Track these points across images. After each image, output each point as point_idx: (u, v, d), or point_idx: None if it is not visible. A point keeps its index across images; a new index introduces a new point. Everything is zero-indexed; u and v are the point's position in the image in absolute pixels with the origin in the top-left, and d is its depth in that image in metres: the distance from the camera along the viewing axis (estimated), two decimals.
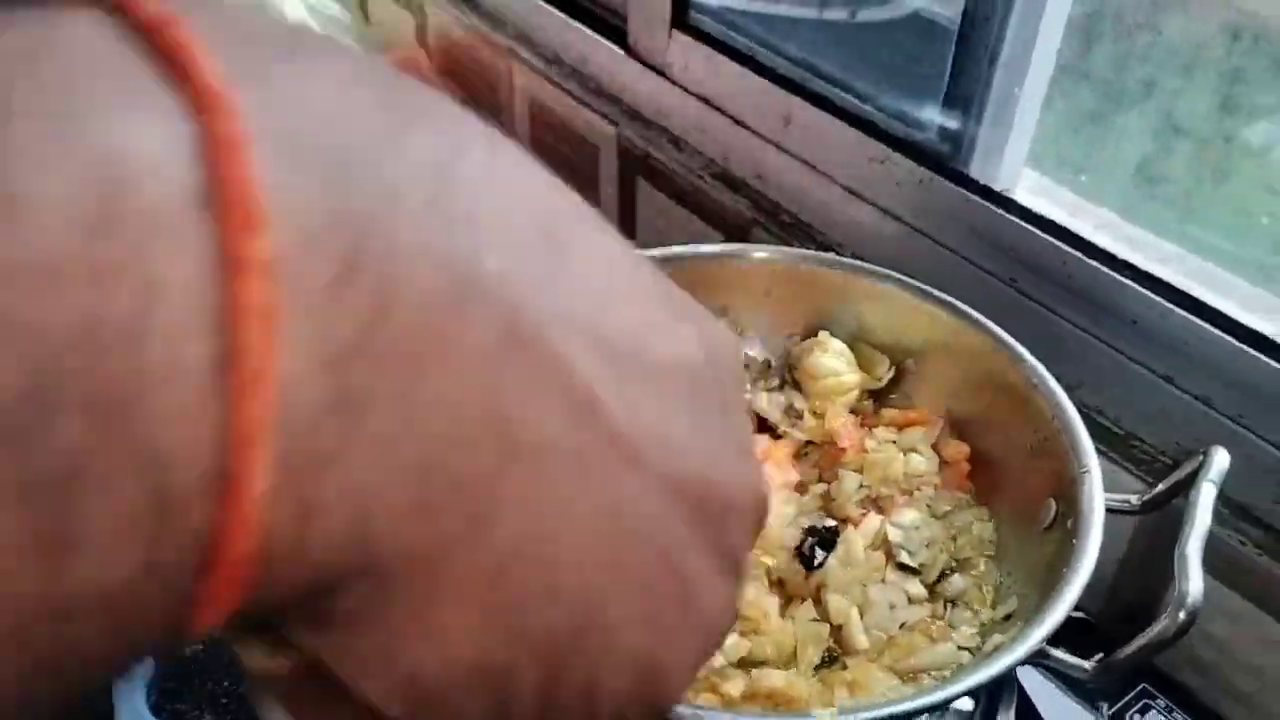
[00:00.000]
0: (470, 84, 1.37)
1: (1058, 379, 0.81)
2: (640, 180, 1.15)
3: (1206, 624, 0.78)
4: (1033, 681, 0.76)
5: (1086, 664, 0.57)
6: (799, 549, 0.70)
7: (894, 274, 0.80)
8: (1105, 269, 0.79)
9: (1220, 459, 0.61)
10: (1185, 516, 0.58)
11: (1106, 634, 0.81)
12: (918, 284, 0.79)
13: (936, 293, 0.78)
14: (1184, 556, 0.55)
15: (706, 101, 1.04)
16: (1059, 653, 0.58)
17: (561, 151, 1.25)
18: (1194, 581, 0.54)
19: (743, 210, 1.04)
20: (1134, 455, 0.80)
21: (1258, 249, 0.86)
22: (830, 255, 0.86)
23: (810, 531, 0.70)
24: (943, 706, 0.56)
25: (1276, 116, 0.83)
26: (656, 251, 0.82)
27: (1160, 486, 0.65)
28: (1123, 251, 0.80)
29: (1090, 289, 0.80)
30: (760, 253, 0.83)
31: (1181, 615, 0.53)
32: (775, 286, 0.83)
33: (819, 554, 0.69)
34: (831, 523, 0.71)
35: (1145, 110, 0.91)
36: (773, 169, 1.01)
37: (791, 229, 1.00)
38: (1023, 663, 0.57)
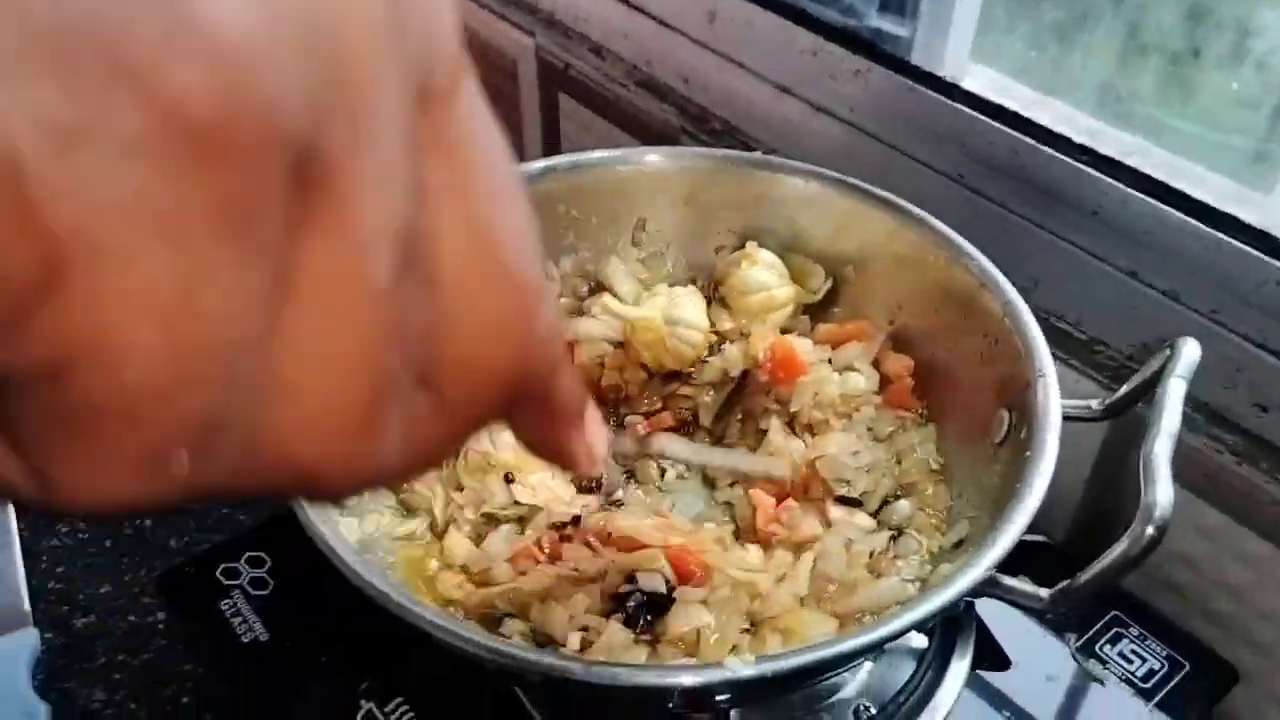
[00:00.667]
0: None
1: (1011, 283, 0.74)
2: (561, 95, 1.06)
3: (1178, 542, 0.71)
4: (994, 613, 0.69)
5: (1042, 592, 0.50)
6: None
7: (826, 171, 0.72)
8: (1061, 155, 0.71)
9: (1189, 351, 0.53)
10: (1151, 416, 0.50)
11: (1073, 561, 0.74)
12: (853, 181, 0.71)
13: (874, 190, 0.70)
14: (1150, 460, 0.48)
15: (627, 2, 0.95)
16: (1011, 581, 0.51)
17: (480, 70, 1.15)
18: (1162, 489, 0.46)
19: (670, 119, 0.95)
20: (1097, 361, 0.73)
21: (1231, 140, 0.78)
22: (756, 155, 0.77)
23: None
24: (877, 648, 0.48)
25: (1246, 26, 0.75)
26: (564, 158, 0.73)
27: (1124, 388, 0.57)
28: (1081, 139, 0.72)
29: (1045, 179, 0.72)
30: (678, 156, 0.74)
31: (1149, 530, 0.46)
32: (698, 193, 0.75)
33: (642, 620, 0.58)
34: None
35: (1112, 25, 0.82)
36: (699, 71, 0.92)
37: (721, 136, 0.92)
38: (970, 594, 0.50)
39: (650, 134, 0.97)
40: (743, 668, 0.46)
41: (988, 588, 0.51)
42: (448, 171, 0.22)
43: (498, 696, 0.63)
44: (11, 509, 0.86)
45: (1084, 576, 0.48)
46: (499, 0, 1.08)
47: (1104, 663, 0.67)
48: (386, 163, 0.19)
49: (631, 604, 0.57)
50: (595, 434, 0.31)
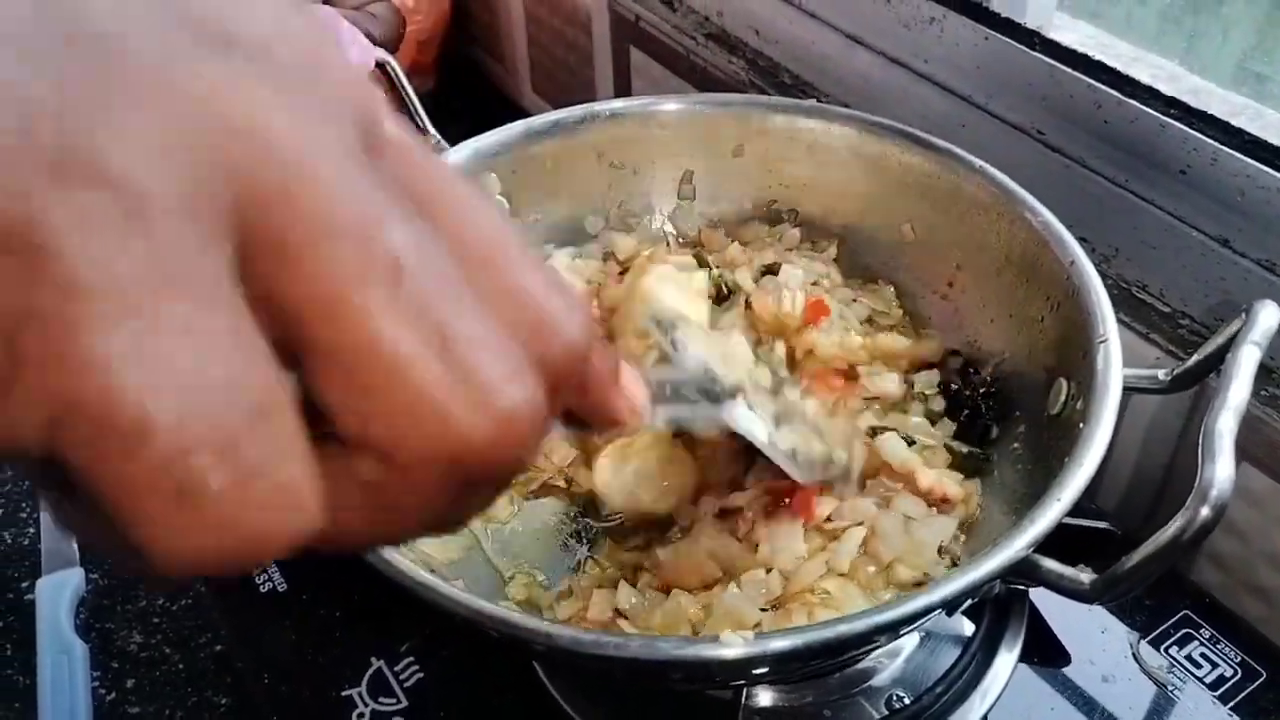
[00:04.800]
0: None
1: (1091, 250, 0.68)
2: (633, 49, 1.02)
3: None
4: (1053, 605, 0.64)
5: (1084, 576, 0.45)
6: None
7: (882, 120, 0.67)
8: (1146, 109, 0.64)
9: (1267, 316, 0.47)
10: (1218, 386, 0.45)
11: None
12: (910, 130, 0.66)
13: (934, 140, 0.65)
14: (1212, 433, 0.42)
15: None
16: (1051, 564, 0.46)
17: (555, 26, 1.13)
18: (1222, 466, 0.41)
19: (739, 73, 0.90)
20: (1181, 337, 0.66)
21: None
22: (809, 102, 0.73)
23: None
24: (892, 629, 0.44)
25: None
26: (602, 105, 0.70)
27: (1195, 356, 0.51)
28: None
29: (1129, 136, 0.66)
30: (726, 103, 0.70)
31: (1204, 510, 0.41)
32: (746, 143, 0.70)
33: None
34: None
35: None
36: (769, 21, 0.87)
37: (792, 90, 0.87)
38: (1004, 576, 0.45)
39: (720, 88, 0.93)
40: (739, 645, 0.42)
41: (1025, 570, 0.46)
42: (415, 189, 0.23)
43: (508, 660, 0.61)
44: None
45: (1131, 561, 0.43)
46: None
47: (1170, 665, 0.61)
48: (332, 190, 0.21)
49: None
50: (634, 389, 0.32)
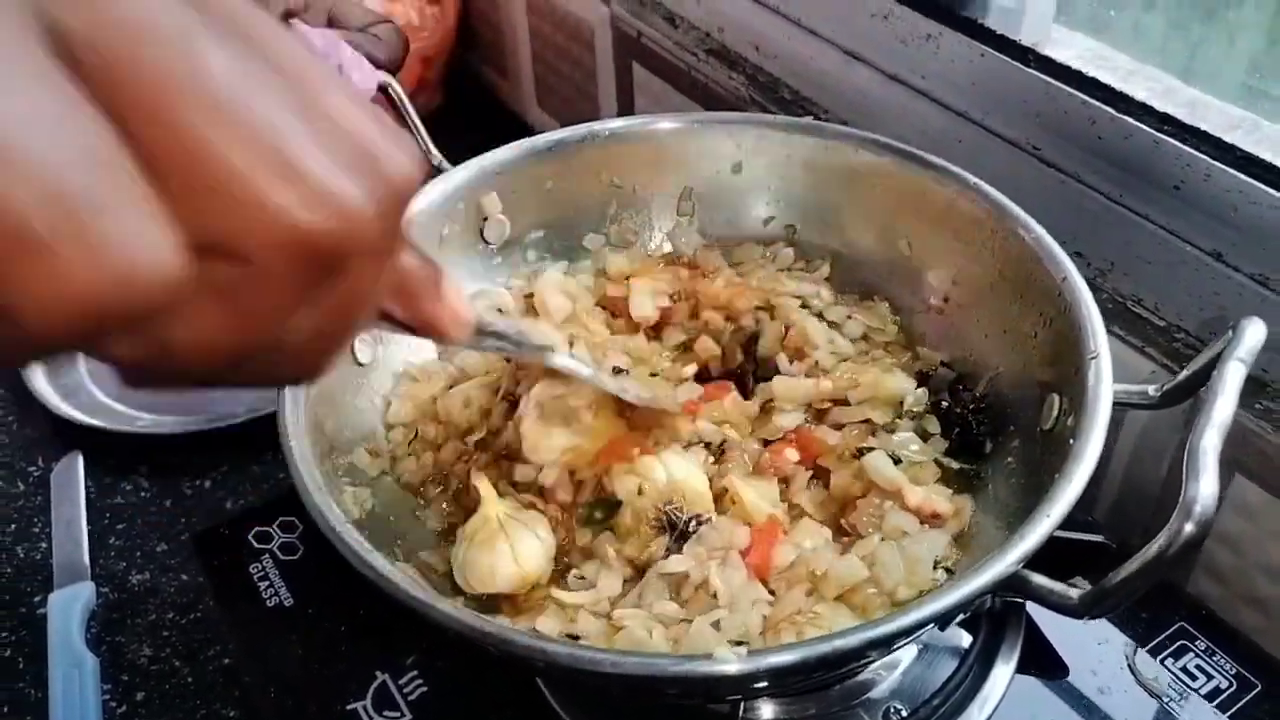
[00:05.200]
0: None
1: (1086, 264, 0.69)
2: (635, 65, 1.03)
3: (1219, 522, 0.65)
4: (1050, 616, 0.64)
5: (1073, 592, 0.45)
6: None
7: (878, 138, 0.68)
8: (1141, 125, 0.65)
9: (1253, 333, 0.48)
10: (1203, 403, 0.45)
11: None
12: (905, 147, 0.67)
13: (929, 157, 0.66)
14: (1196, 450, 0.43)
15: None
16: (1040, 579, 0.47)
17: (559, 42, 1.14)
18: (1206, 483, 0.42)
19: (739, 89, 0.91)
20: (1176, 350, 0.67)
21: None
22: (806, 120, 0.74)
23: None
24: (885, 644, 0.45)
25: None
26: (602, 125, 0.71)
27: (1184, 372, 0.52)
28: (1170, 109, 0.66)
29: (1124, 152, 0.66)
30: (725, 121, 0.71)
31: (1188, 526, 0.41)
32: (745, 160, 0.71)
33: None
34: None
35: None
36: (769, 37, 0.88)
37: (790, 106, 0.88)
38: (994, 591, 0.46)
39: (720, 105, 0.94)
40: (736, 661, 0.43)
41: (1015, 585, 0.47)
42: (237, 24, 0.24)
43: (511, 675, 0.61)
44: (80, 464, 0.88)
45: (1117, 577, 0.44)
46: None
47: (1166, 676, 0.62)
48: (150, 24, 0.22)
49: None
50: (458, 304, 0.35)
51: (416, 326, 0.34)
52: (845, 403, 0.63)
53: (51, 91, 0.20)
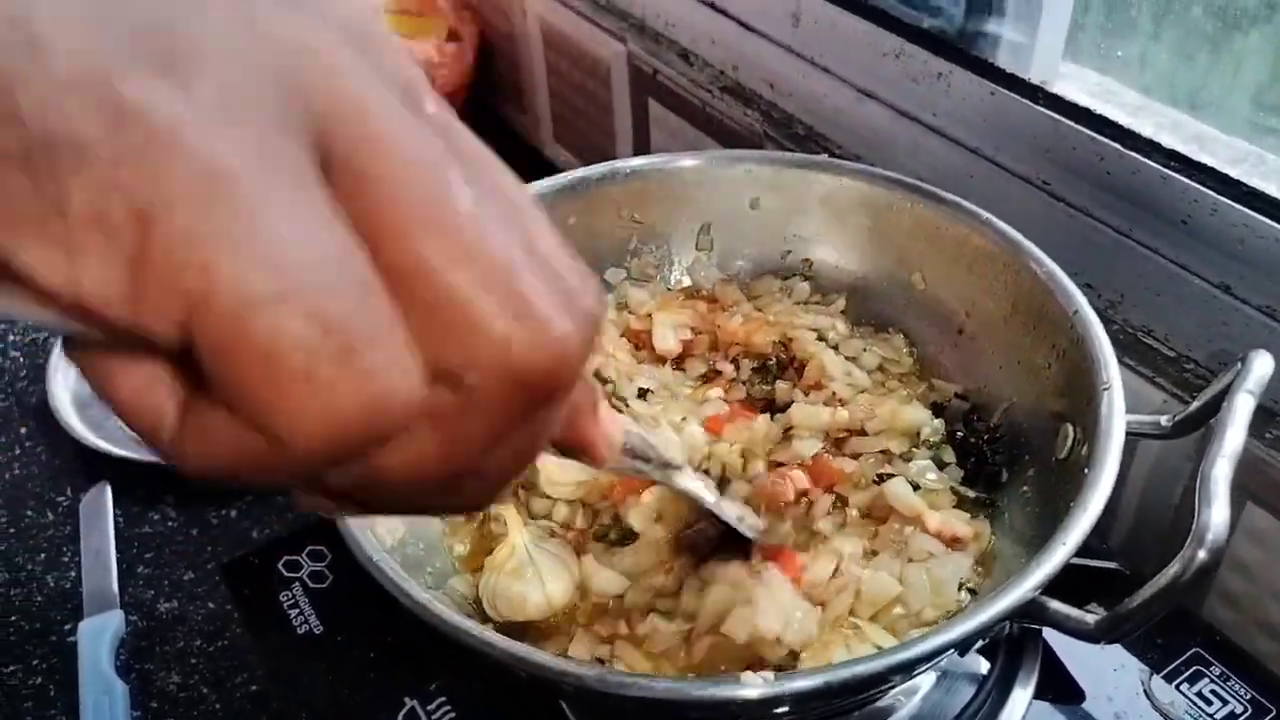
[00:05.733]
0: (485, 14, 1.30)
1: (1097, 296, 0.70)
2: (651, 101, 1.05)
3: (1232, 548, 0.66)
4: (1067, 642, 0.65)
5: (1089, 618, 0.47)
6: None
7: (892, 175, 0.69)
8: (1148, 161, 0.67)
9: (1260, 365, 0.49)
10: (1214, 434, 0.47)
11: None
12: (919, 184, 0.69)
13: (942, 193, 0.68)
14: (1208, 480, 0.44)
15: (712, 6, 0.94)
16: (1057, 605, 0.48)
17: (576, 79, 1.17)
18: (1218, 511, 0.43)
19: (754, 125, 0.93)
20: (1186, 380, 0.68)
21: None
22: (821, 158, 0.75)
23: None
24: (906, 669, 0.46)
25: None
26: (623, 164, 0.73)
27: (1195, 404, 0.53)
28: (1181, 147, 0.67)
29: (1132, 187, 0.68)
30: (740, 159, 0.73)
31: (1201, 554, 0.43)
32: (762, 196, 0.73)
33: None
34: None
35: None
36: (783, 75, 0.90)
37: (804, 142, 0.90)
38: (1012, 617, 0.47)
39: (735, 140, 0.96)
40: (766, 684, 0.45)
41: (1033, 612, 0.48)
42: (458, 146, 0.25)
43: (538, 700, 0.63)
44: (109, 494, 0.90)
45: (1133, 603, 0.45)
46: (592, 7, 1.08)
47: (1182, 702, 0.63)
48: (401, 138, 0.22)
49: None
50: (612, 427, 0.35)
51: (570, 447, 0.34)
52: (863, 433, 0.64)
53: (324, 218, 0.21)
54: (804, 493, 0.63)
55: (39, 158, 0.18)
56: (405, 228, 0.22)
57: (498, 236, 0.23)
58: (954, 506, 0.61)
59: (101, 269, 0.19)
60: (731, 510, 0.59)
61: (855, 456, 0.64)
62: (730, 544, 0.58)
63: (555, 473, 0.62)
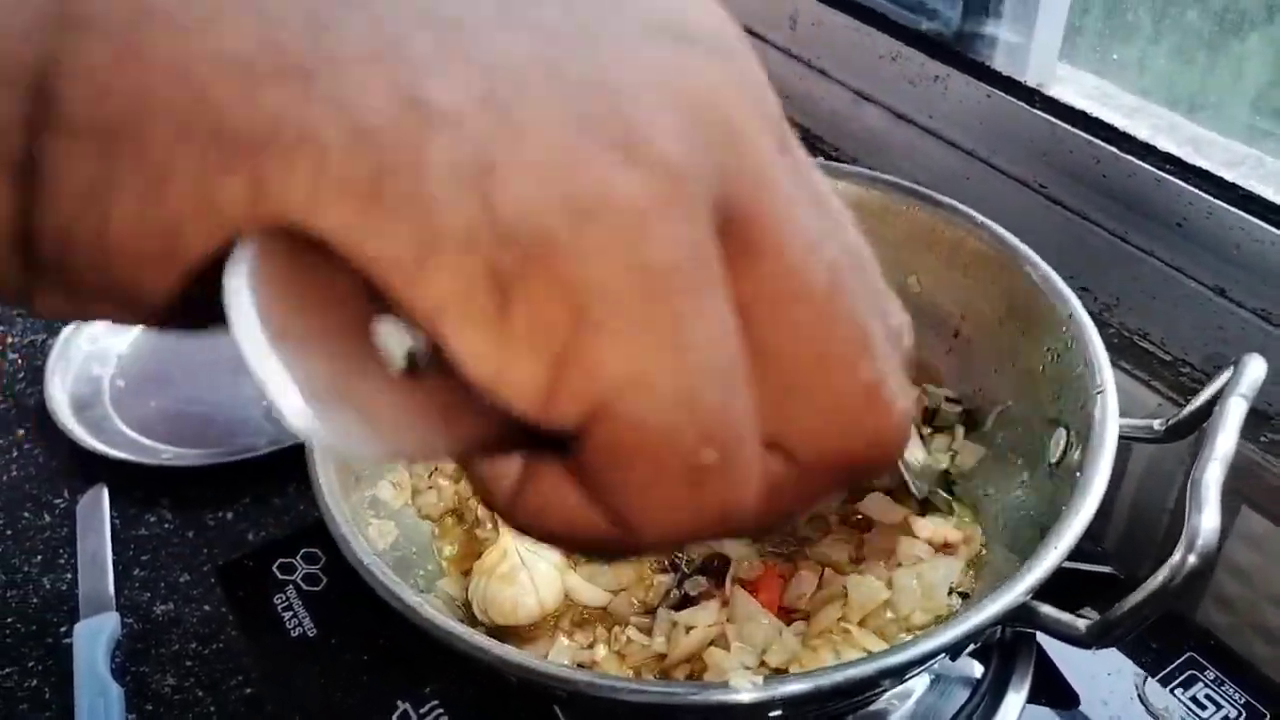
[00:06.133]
0: None
1: (1092, 299, 0.70)
2: None
3: (1228, 552, 0.66)
4: (1061, 646, 0.65)
5: (1080, 623, 0.47)
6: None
7: (886, 177, 0.69)
8: (1144, 164, 0.67)
9: (1253, 369, 0.49)
10: (1205, 438, 0.47)
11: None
12: (914, 187, 0.68)
13: (938, 196, 0.67)
14: (1199, 484, 0.44)
15: None
16: (1048, 610, 0.48)
17: None
18: (1208, 516, 0.43)
19: None
20: (1182, 384, 0.68)
21: None
22: (819, 160, 0.75)
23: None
24: (897, 673, 0.46)
25: None
26: None
27: (1187, 408, 0.53)
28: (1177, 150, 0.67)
29: (1128, 189, 0.68)
30: None
31: (1191, 559, 0.43)
32: None
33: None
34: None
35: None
36: (779, 77, 0.90)
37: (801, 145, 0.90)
38: (1003, 621, 0.47)
39: None
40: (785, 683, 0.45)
41: (1024, 616, 0.48)
42: (813, 194, 0.23)
43: (530, 704, 0.63)
44: (105, 496, 0.90)
45: (1123, 608, 0.45)
46: None
47: (1176, 706, 0.62)
48: (788, 196, 0.21)
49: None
50: None
51: None
52: None
53: (728, 320, 0.20)
54: None
55: (504, 251, 0.18)
56: (782, 311, 0.21)
57: (860, 311, 0.22)
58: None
59: (527, 364, 0.18)
60: None
61: None
62: (706, 571, 0.58)
63: None
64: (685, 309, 0.19)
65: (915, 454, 0.57)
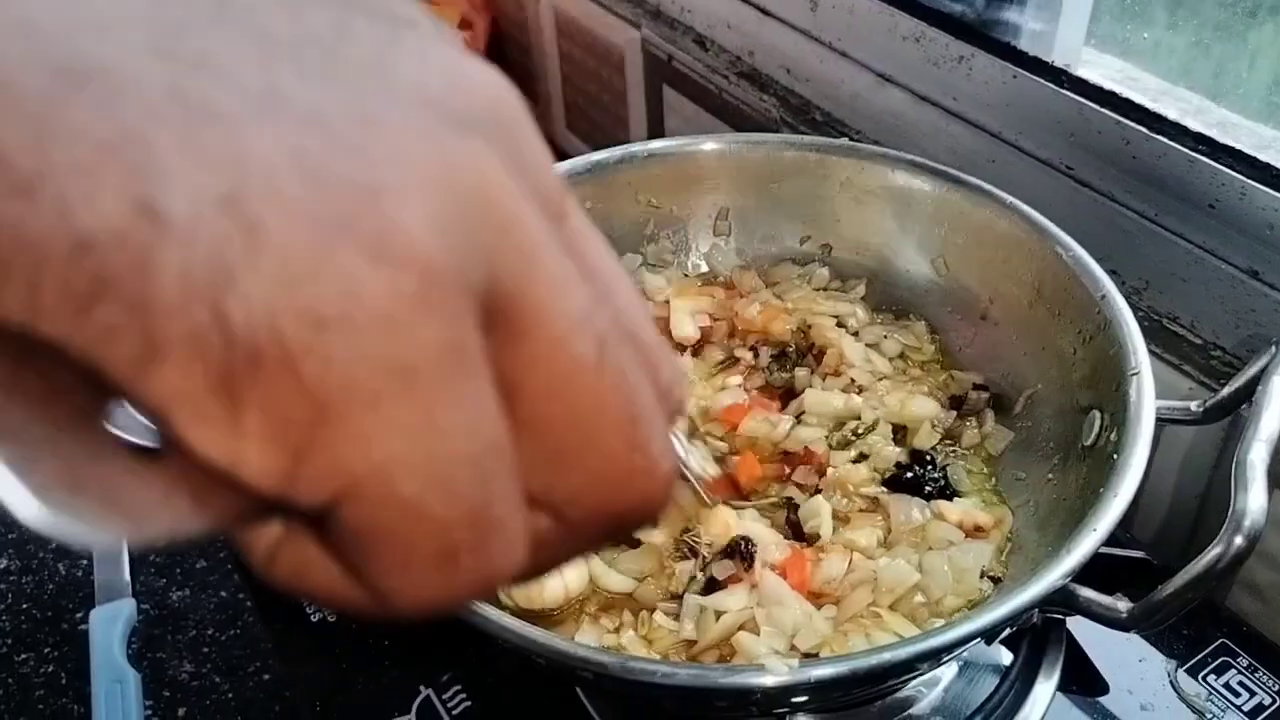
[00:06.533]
0: (497, 1, 1.29)
1: (1121, 282, 0.69)
2: (666, 88, 1.04)
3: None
4: (1090, 634, 0.64)
5: (1121, 605, 0.46)
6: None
7: (914, 158, 0.68)
8: (1175, 145, 0.66)
9: None
10: (1250, 418, 0.46)
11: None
12: (942, 168, 0.68)
13: (965, 177, 0.67)
14: (1244, 465, 0.43)
15: None
16: (1088, 593, 0.47)
17: (589, 66, 1.16)
18: (1255, 496, 0.42)
19: (770, 111, 0.92)
20: (1212, 367, 0.67)
21: None
22: (841, 141, 0.74)
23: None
24: (933, 657, 0.45)
25: None
26: (639, 146, 0.72)
27: (1226, 389, 0.52)
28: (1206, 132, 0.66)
29: (1158, 171, 0.67)
30: (760, 142, 0.72)
31: (1238, 540, 0.42)
32: (780, 180, 0.72)
33: None
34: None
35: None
36: (801, 60, 0.89)
37: (821, 128, 0.89)
38: (1042, 605, 0.47)
39: (752, 127, 0.95)
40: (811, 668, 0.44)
41: (1063, 599, 0.47)
42: (586, 263, 0.24)
43: (554, 688, 0.62)
44: None
45: (1167, 590, 0.44)
46: None
47: (1208, 693, 0.62)
48: (553, 274, 0.21)
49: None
50: None
51: None
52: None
53: (488, 408, 0.20)
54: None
55: (236, 356, 0.18)
56: (550, 388, 0.21)
57: (626, 378, 0.23)
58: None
59: (264, 453, 0.18)
60: (695, 461, 0.57)
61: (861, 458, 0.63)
62: (733, 555, 0.57)
63: None
64: (436, 400, 0.19)
65: (696, 464, 0.56)
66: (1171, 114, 0.69)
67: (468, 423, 0.20)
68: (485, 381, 0.20)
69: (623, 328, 0.23)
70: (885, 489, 0.61)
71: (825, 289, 0.73)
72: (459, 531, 0.20)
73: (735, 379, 0.67)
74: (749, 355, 0.69)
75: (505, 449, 0.21)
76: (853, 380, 0.67)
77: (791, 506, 0.61)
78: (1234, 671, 0.63)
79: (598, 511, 0.23)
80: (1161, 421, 0.52)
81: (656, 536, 0.59)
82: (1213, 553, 0.42)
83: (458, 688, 0.64)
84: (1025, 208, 0.64)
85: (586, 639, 0.55)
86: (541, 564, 0.24)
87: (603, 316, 0.22)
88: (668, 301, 0.71)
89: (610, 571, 0.59)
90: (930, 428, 0.64)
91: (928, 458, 0.62)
